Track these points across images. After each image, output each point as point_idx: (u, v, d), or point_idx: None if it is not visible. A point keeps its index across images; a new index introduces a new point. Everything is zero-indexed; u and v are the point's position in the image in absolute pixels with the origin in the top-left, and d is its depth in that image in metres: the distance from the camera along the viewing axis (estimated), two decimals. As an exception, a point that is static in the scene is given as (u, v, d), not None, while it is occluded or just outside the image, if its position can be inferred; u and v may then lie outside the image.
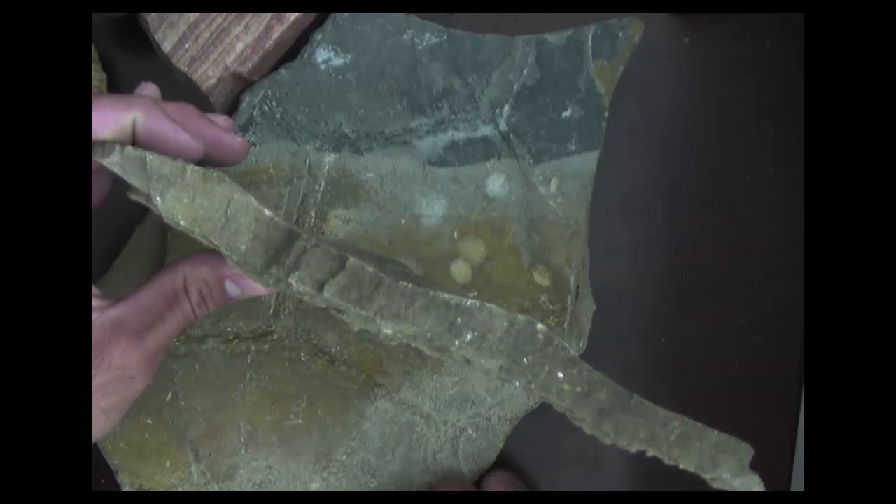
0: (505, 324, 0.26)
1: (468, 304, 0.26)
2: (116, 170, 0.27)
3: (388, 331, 0.26)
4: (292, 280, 0.26)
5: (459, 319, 0.26)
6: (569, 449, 0.42)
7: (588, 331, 0.40)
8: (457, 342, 0.26)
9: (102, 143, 0.27)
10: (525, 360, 0.26)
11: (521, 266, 0.39)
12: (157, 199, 0.26)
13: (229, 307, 0.38)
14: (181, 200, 0.26)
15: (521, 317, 0.26)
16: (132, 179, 0.26)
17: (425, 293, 0.26)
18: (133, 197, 0.27)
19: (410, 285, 0.26)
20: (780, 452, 0.43)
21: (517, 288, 0.39)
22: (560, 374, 0.26)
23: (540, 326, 0.26)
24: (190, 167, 0.26)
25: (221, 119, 0.33)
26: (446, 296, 0.26)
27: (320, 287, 0.26)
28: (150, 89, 0.32)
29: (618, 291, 0.43)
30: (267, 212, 0.26)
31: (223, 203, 0.26)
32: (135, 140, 0.28)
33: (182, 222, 0.26)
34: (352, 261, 0.26)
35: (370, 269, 0.26)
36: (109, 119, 0.27)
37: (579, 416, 0.26)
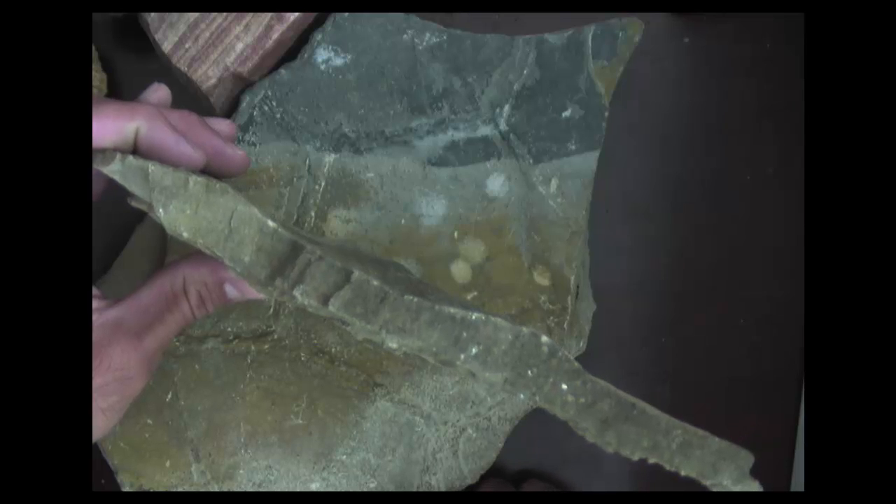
0: (510, 336, 0.26)
1: (473, 317, 0.26)
2: (117, 178, 0.26)
3: (393, 344, 0.26)
4: (297, 293, 0.26)
5: (465, 333, 0.26)
6: (569, 449, 0.42)
7: (588, 331, 0.40)
8: (462, 356, 0.26)
9: (103, 150, 0.27)
10: (529, 372, 0.26)
11: (521, 266, 0.39)
12: (160, 210, 0.26)
13: (229, 307, 0.38)
14: (184, 212, 0.26)
15: (525, 329, 0.26)
16: (133, 188, 0.26)
17: (431, 307, 0.26)
18: (134, 204, 0.27)
19: (416, 299, 0.26)
20: (780, 452, 0.43)
21: (517, 288, 0.39)
22: (564, 386, 0.26)
23: (544, 339, 0.26)
24: (192, 178, 0.26)
25: (224, 124, 0.32)
26: (452, 310, 0.26)
27: (325, 300, 0.26)
28: (161, 93, 0.31)
29: (618, 291, 0.43)
30: (271, 223, 0.26)
31: (226, 214, 0.26)
32: (136, 148, 0.28)
33: (185, 234, 0.26)
34: (357, 274, 0.25)
35: (375, 282, 0.25)
36: (112, 128, 0.27)
37: (583, 427, 0.26)
